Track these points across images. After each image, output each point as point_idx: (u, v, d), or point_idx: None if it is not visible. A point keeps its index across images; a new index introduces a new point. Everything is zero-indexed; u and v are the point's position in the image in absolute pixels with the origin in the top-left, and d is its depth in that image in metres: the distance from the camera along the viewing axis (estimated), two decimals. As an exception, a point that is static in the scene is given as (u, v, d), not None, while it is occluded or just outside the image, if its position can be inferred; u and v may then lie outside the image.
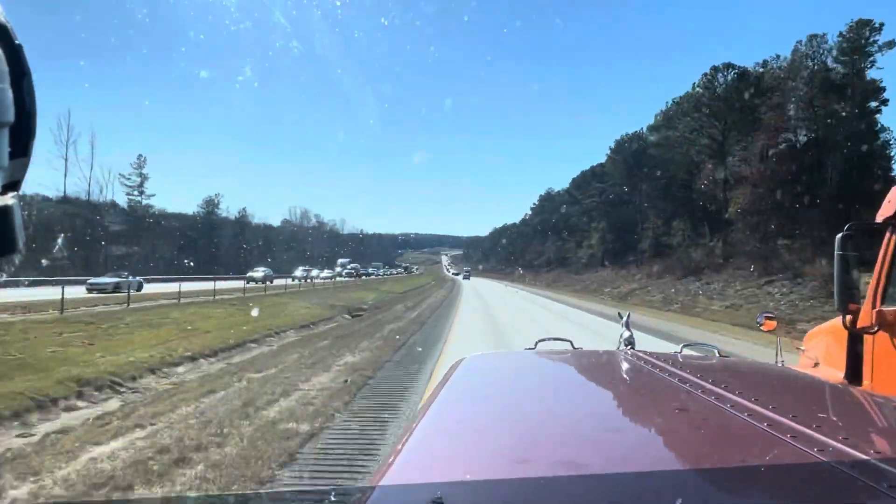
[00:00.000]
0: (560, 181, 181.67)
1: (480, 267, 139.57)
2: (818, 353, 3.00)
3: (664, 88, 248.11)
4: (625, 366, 1.61)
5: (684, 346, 2.07)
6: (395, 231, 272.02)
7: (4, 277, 0.37)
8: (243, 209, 73.01)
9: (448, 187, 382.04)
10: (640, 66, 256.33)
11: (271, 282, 31.04)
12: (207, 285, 20.42)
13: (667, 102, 40.63)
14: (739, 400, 1.03)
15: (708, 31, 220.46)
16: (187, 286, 20.23)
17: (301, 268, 45.42)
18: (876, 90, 26.80)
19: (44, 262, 24.56)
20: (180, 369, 7.92)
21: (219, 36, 77.58)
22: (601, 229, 50.17)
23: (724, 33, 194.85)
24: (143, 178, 55.32)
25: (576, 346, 2.12)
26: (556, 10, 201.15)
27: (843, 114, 23.43)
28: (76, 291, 16.86)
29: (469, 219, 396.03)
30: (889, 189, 2.30)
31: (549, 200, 78.58)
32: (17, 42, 0.40)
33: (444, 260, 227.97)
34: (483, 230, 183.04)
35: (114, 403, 6.02)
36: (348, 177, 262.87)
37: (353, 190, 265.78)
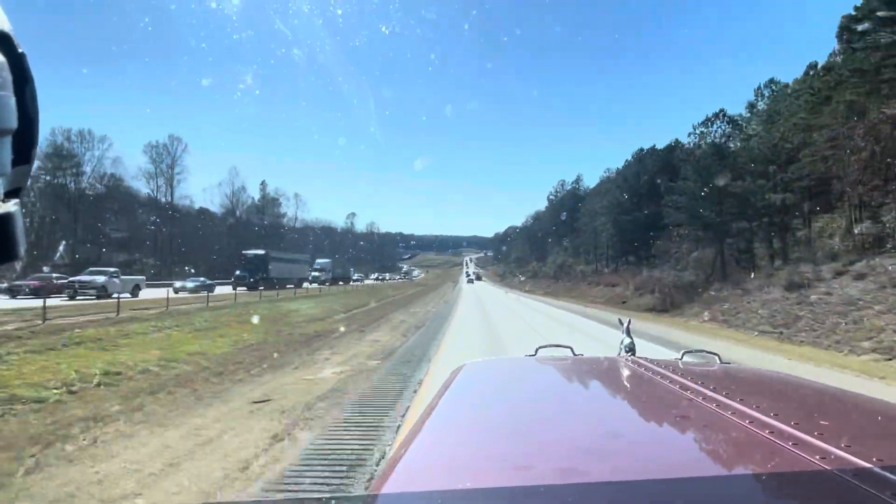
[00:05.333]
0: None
1: (488, 268, 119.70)
2: None
3: (669, 86, 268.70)
4: (625, 373, 1.68)
5: (685, 352, 2.07)
6: (417, 233, 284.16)
7: (6, 284, 0.39)
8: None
9: (466, 189, 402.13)
10: (647, 64, 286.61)
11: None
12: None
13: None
14: (741, 407, 1.08)
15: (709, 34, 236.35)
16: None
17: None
18: None
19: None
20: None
21: (220, 44, 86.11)
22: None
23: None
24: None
25: (576, 353, 2.19)
26: (556, 18, 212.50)
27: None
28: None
29: (495, 219, 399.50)
30: None
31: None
32: (20, 50, 0.42)
33: (468, 257, 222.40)
34: (515, 221, 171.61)
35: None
36: (355, 180, 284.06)
37: (360, 193, 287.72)
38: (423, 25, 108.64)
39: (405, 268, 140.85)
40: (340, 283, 58.59)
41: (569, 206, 78.11)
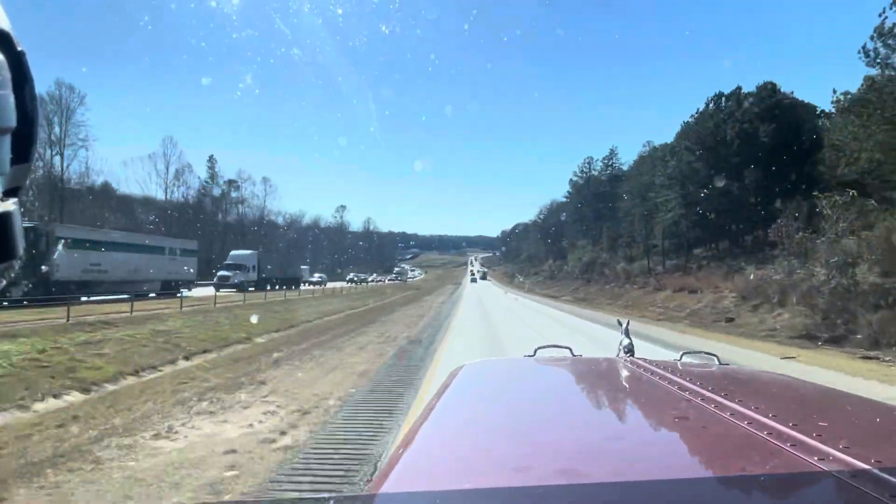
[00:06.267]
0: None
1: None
2: None
3: (668, 86, 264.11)
4: (624, 373, 1.75)
5: (684, 353, 2.13)
6: (420, 232, 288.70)
7: (4, 283, 0.43)
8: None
9: (470, 188, 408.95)
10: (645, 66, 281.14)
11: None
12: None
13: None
14: (739, 408, 1.11)
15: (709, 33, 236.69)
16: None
17: None
18: None
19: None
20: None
21: (220, 44, 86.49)
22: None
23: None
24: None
25: (575, 354, 2.29)
26: (557, 20, 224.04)
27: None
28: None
29: (501, 219, 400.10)
30: None
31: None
32: (19, 49, 0.43)
33: (473, 256, 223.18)
34: (523, 219, 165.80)
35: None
36: (356, 180, 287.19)
37: (362, 193, 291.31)
38: (423, 25, 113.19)
39: (397, 268, 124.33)
40: (283, 286, 39.84)
41: (599, 189, 63.33)
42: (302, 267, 56.46)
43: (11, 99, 0.41)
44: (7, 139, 0.41)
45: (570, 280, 59.23)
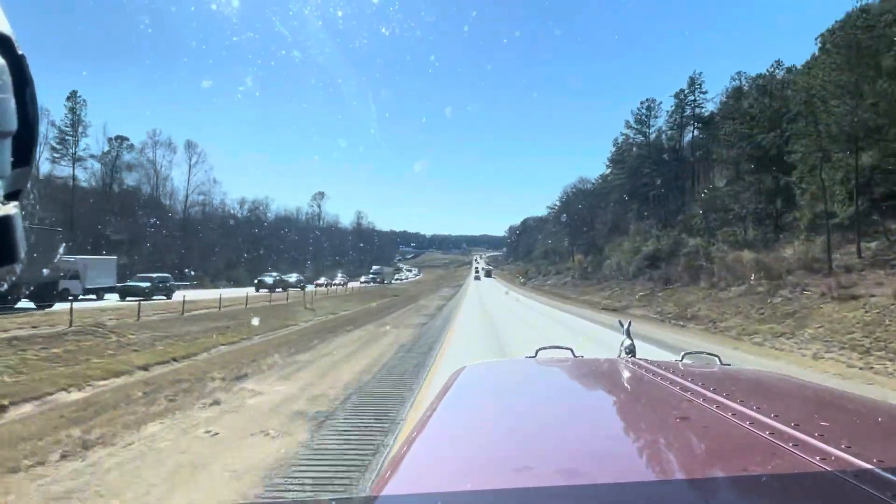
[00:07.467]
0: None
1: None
2: None
3: (662, 88, 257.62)
4: (626, 374, 1.73)
5: (685, 354, 2.16)
6: (423, 232, 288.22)
7: (5, 287, 0.45)
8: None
9: (474, 188, 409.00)
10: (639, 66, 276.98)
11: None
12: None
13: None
14: (741, 408, 1.11)
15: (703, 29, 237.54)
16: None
17: None
18: None
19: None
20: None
21: (220, 46, 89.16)
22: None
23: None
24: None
25: (577, 355, 2.31)
26: (556, 21, 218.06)
27: None
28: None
29: (505, 219, 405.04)
30: None
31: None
32: (19, 52, 0.43)
33: (477, 255, 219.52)
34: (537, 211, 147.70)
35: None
36: (357, 181, 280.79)
37: (362, 194, 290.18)
38: (422, 27, 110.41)
39: (376, 266, 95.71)
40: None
41: (671, 144, 43.00)
42: (68, 257, 24.65)
43: (12, 102, 0.41)
44: (8, 142, 0.41)
45: (621, 280, 40.19)
